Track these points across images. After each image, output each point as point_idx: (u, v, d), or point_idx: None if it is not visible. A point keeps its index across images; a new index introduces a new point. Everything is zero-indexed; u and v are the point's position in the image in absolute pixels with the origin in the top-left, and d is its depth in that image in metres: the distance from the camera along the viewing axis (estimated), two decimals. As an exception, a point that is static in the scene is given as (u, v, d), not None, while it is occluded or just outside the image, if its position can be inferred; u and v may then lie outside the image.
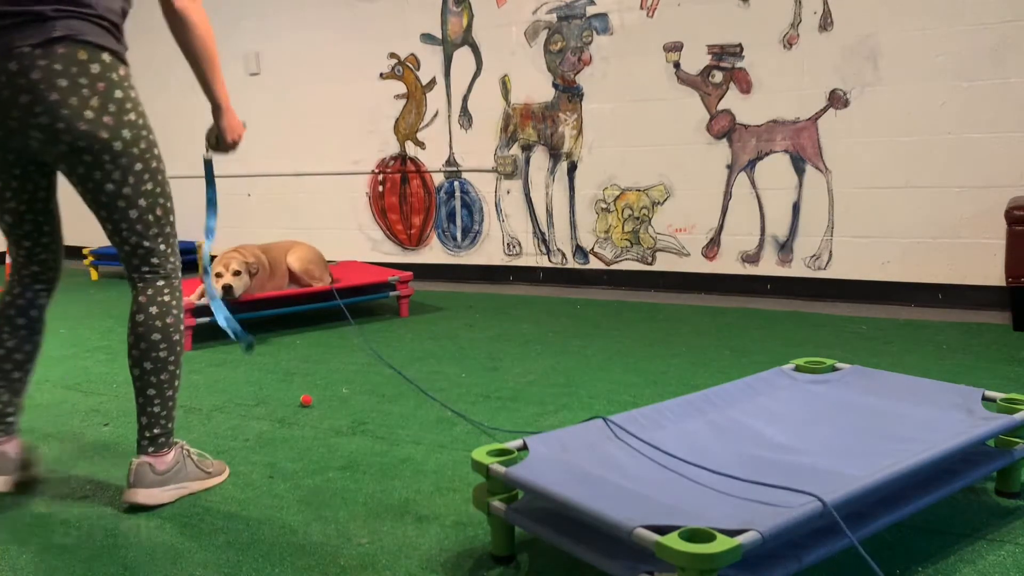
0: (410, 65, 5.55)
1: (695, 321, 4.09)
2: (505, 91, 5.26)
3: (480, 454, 1.72)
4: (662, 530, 1.35)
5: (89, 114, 1.86)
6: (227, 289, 3.73)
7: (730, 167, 4.67)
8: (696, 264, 4.85)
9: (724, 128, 4.66)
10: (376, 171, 5.81)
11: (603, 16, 4.90)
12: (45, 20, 1.83)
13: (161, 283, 2.05)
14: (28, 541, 1.90)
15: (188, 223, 6.61)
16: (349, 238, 5.98)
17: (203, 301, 3.71)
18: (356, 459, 2.35)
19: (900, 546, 1.75)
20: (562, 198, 5.19)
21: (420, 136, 5.61)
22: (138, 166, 1.95)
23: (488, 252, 5.51)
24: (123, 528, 1.95)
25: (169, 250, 2.07)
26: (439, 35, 5.42)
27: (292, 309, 4.08)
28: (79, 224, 7.10)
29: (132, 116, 1.94)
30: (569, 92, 5.06)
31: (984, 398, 2.03)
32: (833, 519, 1.42)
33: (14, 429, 2.14)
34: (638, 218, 4.97)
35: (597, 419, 1.91)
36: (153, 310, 2.02)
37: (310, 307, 4.16)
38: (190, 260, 6.42)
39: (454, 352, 3.59)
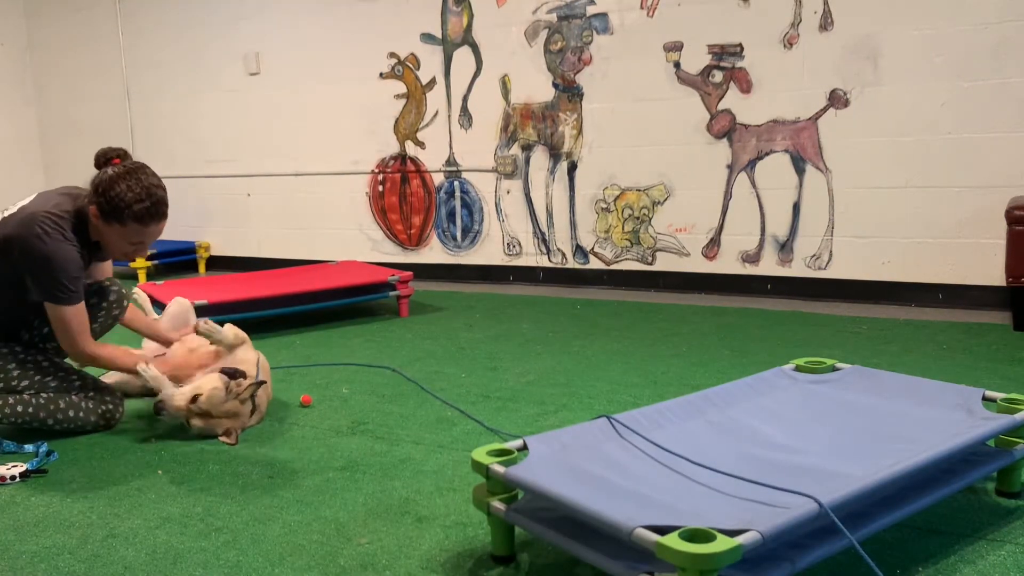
0: (410, 65, 5.55)
1: (695, 321, 4.09)
2: (505, 91, 5.26)
3: (480, 454, 1.72)
4: (662, 530, 1.35)
5: None
6: None
7: (730, 167, 4.67)
8: (696, 264, 4.85)
9: (724, 128, 4.65)
10: (376, 171, 5.80)
11: (603, 16, 4.89)
12: None
13: None
14: (28, 541, 1.90)
15: (187, 222, 6.61)
16: (349, 238, 5.98)
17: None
18: (356, 459, 2.35)
19: (900, 546, 1.75)
20: (562, 198, 5.19)
21: (420, 136, 5.60)
22: None
23: (488, 252, 5.51)
24: (123, 528, 1.95)
25: None
26: (439, 35, 5.42)
27: (292, 309, 4.08)
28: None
29: None
30: (569, 92, 5.06)
31: (984, 398, 2.03)
32: (832, 519, 1.42)
33: None
34: (638, 218, 4.97)
35: (600, 418, 1.91)
36: None
37: (310, 307, 4.16)
38: (190, 260, 6.43)
39: (454, 352, 3.59)
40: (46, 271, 2.40)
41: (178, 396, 2.51)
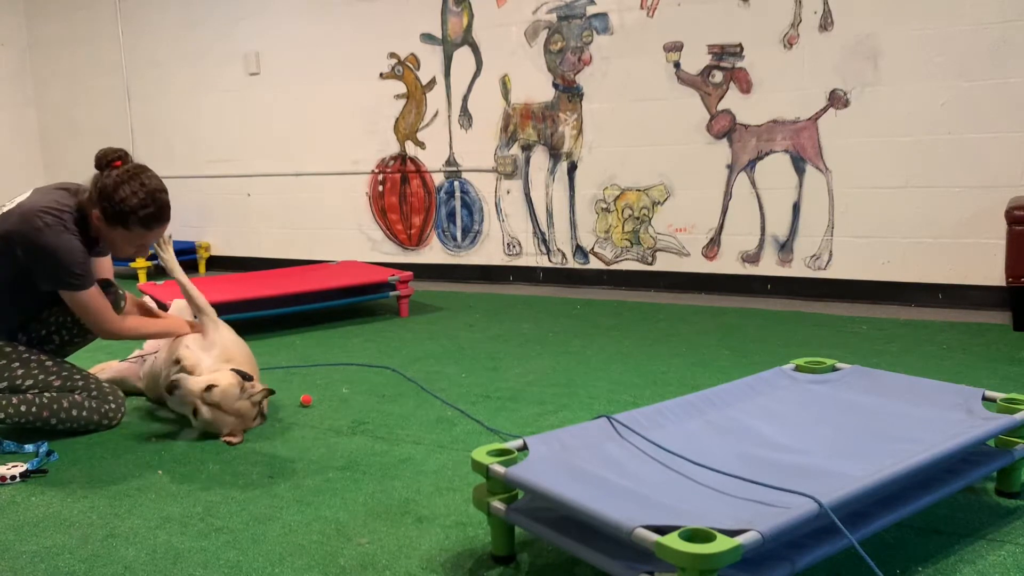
0: (410, 65, 5.55)
1: (695, 321, 4.09)
2: (505, 91, 5.25)
3: (480, 454, 1.72)
4: (662, 530, 1.35)
5: None
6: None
7: (730, 167, 4.67)
8: (696, 264, 4.85)
9: (724, 128, 4.65)
10: (376, 171, 5.80)
11: (603, 16, 4.89)
12: None
13: None
14: (28, 541, 1.90)
15: (187, 222, 6.61)
16: (349, 238, 5.98)
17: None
18: (356, 459, 2.35)
19: (900, 546, 1.75)
20: (562, 198, 5.19)
21: (420, 136, 5.60)
22: None
23: (488, 252, 5.51)
24: (123, 528, 1.95)
25: None
26: (439, 35, 5.42)
27: (292, 309, 4.08)
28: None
29: None
30: (569, 92, 5.06)
31: (984, 398, 2.03)
32: (832, 519, 1.42)
33: None
34: (638, 218, 4.97)
35: (600, 418, 1.91)
36: None
37: (310, 307, 4.16)
38: (190, 260, 6.42)
39: (454, 352, 3.59)
40: (52, 263, 2.44)
41: (193, 381, 2.51)
